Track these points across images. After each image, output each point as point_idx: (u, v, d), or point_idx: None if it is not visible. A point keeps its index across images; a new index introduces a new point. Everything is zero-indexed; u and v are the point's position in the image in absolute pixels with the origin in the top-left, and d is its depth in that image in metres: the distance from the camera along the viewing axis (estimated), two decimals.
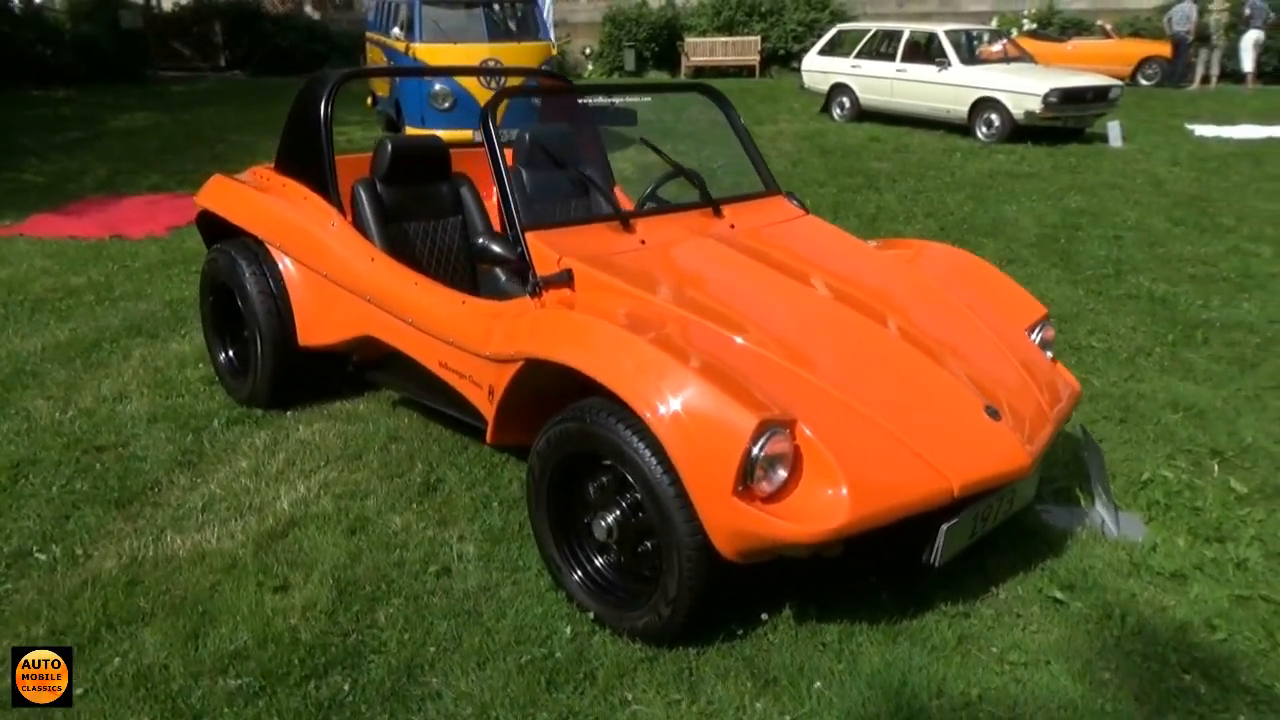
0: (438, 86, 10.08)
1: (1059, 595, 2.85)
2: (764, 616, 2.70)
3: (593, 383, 2.58)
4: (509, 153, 4.43)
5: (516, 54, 10.42)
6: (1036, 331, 3.25)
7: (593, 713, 2.37)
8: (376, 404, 4.18)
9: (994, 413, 2.68)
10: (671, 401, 2.35)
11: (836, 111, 14.00)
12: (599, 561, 2.75)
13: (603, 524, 2.63)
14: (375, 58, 12.43)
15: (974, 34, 13.51)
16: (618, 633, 2.63)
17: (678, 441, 2.32)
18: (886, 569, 2.87)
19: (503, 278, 4.07)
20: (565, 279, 2.93)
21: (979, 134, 12.01)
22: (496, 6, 10.70)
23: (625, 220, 3.26)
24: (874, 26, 13.77)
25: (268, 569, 2.94)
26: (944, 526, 2.50)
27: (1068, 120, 11.81)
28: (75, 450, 3.77)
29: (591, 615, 2.69)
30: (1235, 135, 12.53)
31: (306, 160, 3.91)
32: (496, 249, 3.03)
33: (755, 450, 2.26)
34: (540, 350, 2.70)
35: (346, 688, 2.44)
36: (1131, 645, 2.66)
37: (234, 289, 4.00)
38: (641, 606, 2.57)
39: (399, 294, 3.46)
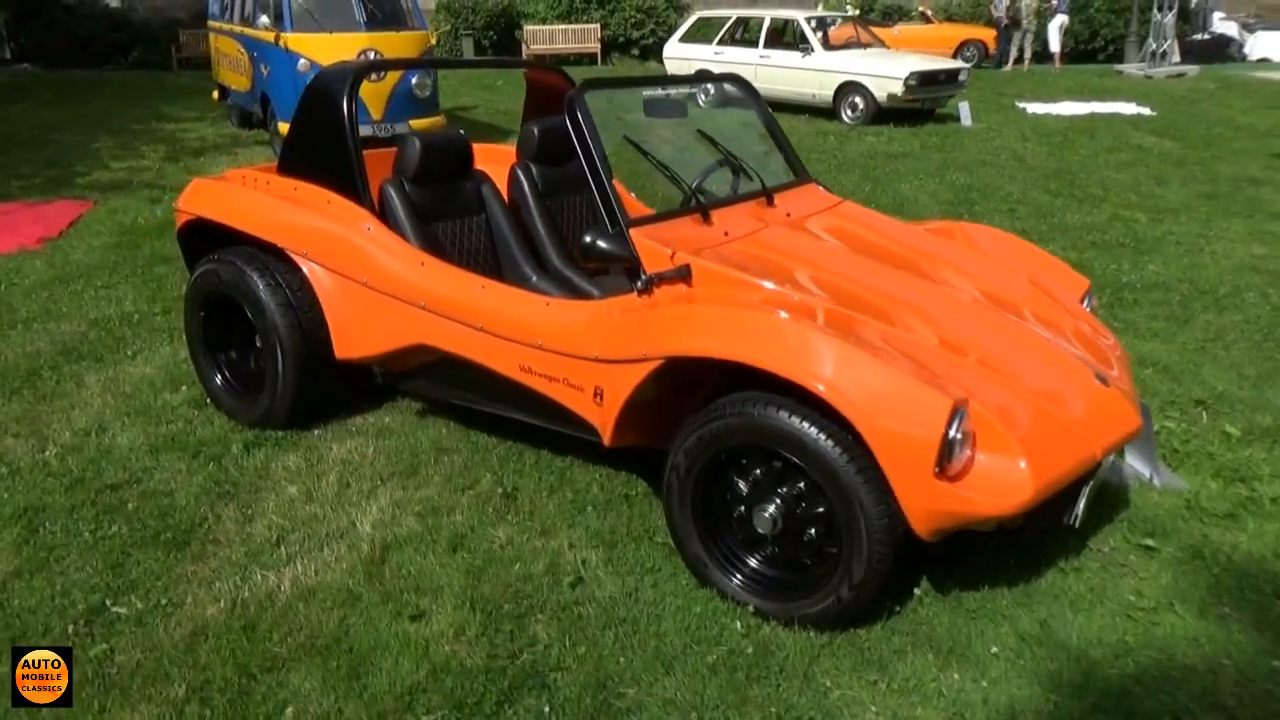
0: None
1: (1149, 543, 3.09)
2: (916, 592, 2.79)
3: (739, 375, 2.58)
4: (515, 149, 4.31)
5: (396, 44, 10.03)
6: (1085, 302, 3.49)
7: (801, 703, 2.39)
8: (400, 416, 3.98)
9: (1103, 379, 2.87)
10: (863, 389, 2.39)
11: None
12: (755, 556, 2.75)
13: (765, 516, 2.64)
14: (226, 49, 11.63)
15: (828, 20, 14.09)
16: (784, 623, 2.65)
17: (875, 429, 2.36)
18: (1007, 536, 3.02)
19: (534, 276, 3.96)
20: (683, 274, 2.90)
21: (844, 117, 12.56)
22: None
23: (705, 213, 3.25)
24: (734, 14, 14.10)
25: (392, 597, 2.77)
26: (1085, 488, 2.66)
27: (925, 102, 12.55)
28: (85, 491, 3.39)
29: (752, 609, 2.69)
30: (1062, 111, 13.67)
31: (326, 161, 3.66)
32: (607, 247, 2.95)
33: (953, 432, 2.33)
34: (694, 348, 2.65)
35: (546, 709, 2.35)
36: (1228, 581, 2.92)
37: (244, 303, 3.69)
38: (814, 594, 2.60)
39: (463, 299, 3.30)
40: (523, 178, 4.13)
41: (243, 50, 10.89)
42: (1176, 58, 18.53)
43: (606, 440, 2.96)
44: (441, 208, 3.82)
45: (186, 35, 20.59)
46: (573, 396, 3.09)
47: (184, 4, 22.26)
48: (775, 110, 13.22)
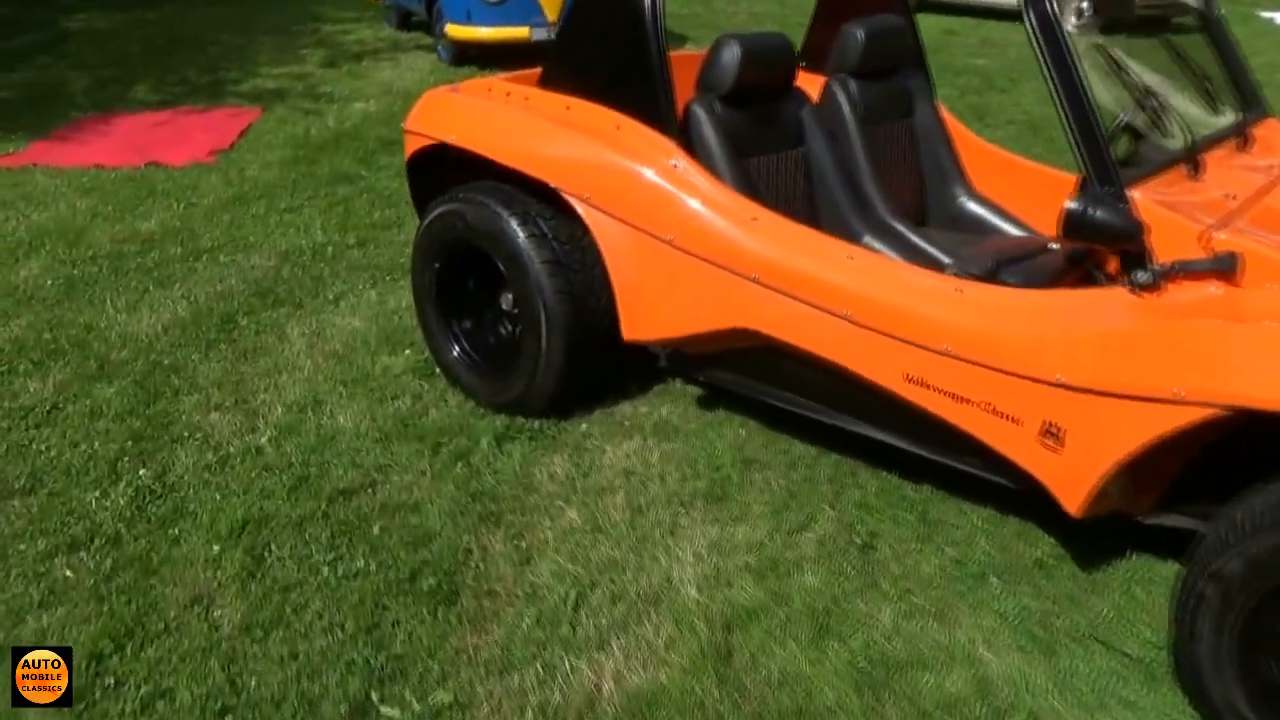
0: None
1: None
2: None
3: None
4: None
5: None
6: None
7: None
8: (680, 407, 3.11)
9: None
10: None
11: None
12: None
13: None
14: None
15: None
16: None
17: None
18: None
19: (864, 234, 2.98)
20: (1227, 266, 1.88)
21: (1071, 22, 10.92)
22: None
23: (1195, 163, 2.21)
24: None
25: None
26: None
27: None
28: (313, 497, 2.66)
29: None
30: None
31: (615, 73, 2.73)
32: (1105, 218, 1.95)
33: None
34: None
35: None
36: None
37: (497, 258, 2.86)
38: None
39: (823, 275, 2.37)
40: (842, 97, 3.14)
41: None
42: None
43: (1074, 509, 2.01)
44: (757, 137, 2.86)
45: None
46: (995, 428, 2.14)
47: None
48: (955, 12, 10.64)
